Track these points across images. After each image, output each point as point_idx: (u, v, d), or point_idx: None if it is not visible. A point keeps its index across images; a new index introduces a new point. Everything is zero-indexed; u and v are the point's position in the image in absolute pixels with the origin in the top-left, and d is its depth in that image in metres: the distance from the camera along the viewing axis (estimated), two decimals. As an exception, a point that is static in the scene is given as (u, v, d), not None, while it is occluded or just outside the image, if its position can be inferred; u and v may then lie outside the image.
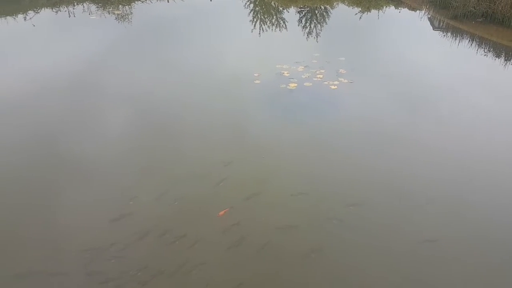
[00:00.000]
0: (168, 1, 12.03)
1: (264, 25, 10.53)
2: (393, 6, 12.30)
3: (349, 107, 6.10)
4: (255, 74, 7.02)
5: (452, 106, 6.27)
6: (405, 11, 12.00)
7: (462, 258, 3.62)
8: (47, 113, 5.76)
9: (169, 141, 5.19)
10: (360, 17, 11.06)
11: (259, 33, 9.75)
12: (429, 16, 11.24)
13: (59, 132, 5.33)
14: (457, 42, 9.07)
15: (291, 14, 11.46)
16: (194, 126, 5.53)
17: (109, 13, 10.62)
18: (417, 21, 11.03)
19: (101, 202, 4.15)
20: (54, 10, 10.86)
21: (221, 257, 3.56)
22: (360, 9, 11.78)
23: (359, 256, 3.62)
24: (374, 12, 11.66)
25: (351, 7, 12.07)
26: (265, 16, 11.45)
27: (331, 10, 11.81)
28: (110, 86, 6.59)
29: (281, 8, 12.26)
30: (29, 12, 10.60)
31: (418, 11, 11.72)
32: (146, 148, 5.03)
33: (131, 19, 10.31)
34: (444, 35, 9.66)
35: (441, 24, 10.58)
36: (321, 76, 6.99)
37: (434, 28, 10.35)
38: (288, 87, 6.62)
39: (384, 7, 12.19)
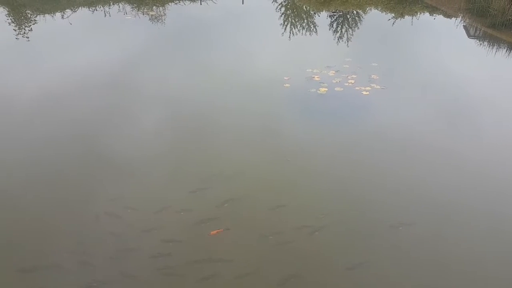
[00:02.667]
0: (200, 3, 12.19)
1: (294, 28, 10.51)
2: (428, 13, 12.04)
3: (381, 114, 5.99)
4: (285, 78, 7.01)
5: (489, 117, 6.07)
6: (440, 18, 11.73)
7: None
8: (81, 111, 5.87)
9: (198, 142, 5.22)
10: (393, 23, 10.88)
11: (289, 37, 9.73)
12: (465, 23, 10.94)
13: (92, 129, 5.44)
14: (494, 51, 8.79)
15: (322, 18, 11.39)
16: (223, 127, 5.55)
17: (143, 14, 10.84)
18: (452, 28, 10.75)
19: (131, 201, 4.22)
20: (90, 9, 11.17)
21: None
22: (393, 14, 11.60)
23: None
24: (407, 18, 11.46)
25: (384, 13, 11.90)
26: (296, 20, 11.42)
27: (363, 15, 11.68)
28: (143, 86, 6.70)
29: (312, 12, 12.21)
30: (66, 10, 10.94)
31: (453, 18, 11.43)
32: (175, 148, 5.08)
33: (164, 20, 10.49)
34: (480, 44, 9.39)
35: (477, 32, 10.28)
36: (352, 81, 6.91)
37: (470, 36, 10.06)
38: (318, 91, 6.57)
39: (418, 13, 11.96)
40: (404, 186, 4.49)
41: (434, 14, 11.95)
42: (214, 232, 3.82)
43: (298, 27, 10.62)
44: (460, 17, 11.40)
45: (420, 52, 8.81)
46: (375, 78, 7.05)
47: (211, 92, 6.59)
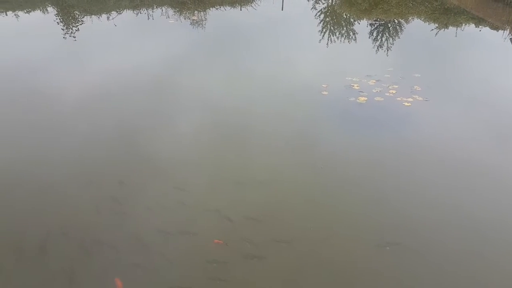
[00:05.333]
0: (241, 9, 12.32)
1: (333, 36, 10.42)
2: (473, 24, 11.64)
3: (423, 128, 5.80)
4: (323, 85, 6.94)
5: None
6: (486, 30, 11.31)
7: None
8: (122, 111, 6.00)
9: (233, 146, 5.23)
10: (436, 34, 10.59)
11: (327, 44, 9.66)
12: (513, 36, 10.51)
13: (131, 130, 5.54)
14: (545, 66, 8.38)
15: (361, 26, 11.25)
16: (259, 133, 5.54)
17: (185, 18, 11.06)
18: (499, 41, 10.33)
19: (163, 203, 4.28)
20: (135, 12, 11.53)
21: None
22: (436, 25, 11.28)
23: None
24: (451, 29, 11.12)
25: (427, 23, 11.60)
26: (335, 27, 11.33)
27: (405, 25, 11.43)
28: (181, 89, 6.79)
29: (352, 20, 12.08)
30: (112, 12, 11.33)
31: (501, 31, 10.99)
32: (212, 152, 5.11)
33: (205, 25, 10.67)
34: (530, 58, 8.98)
35: (527, 45, 9.84)
36: (394, 91, 6.75)
37: (519, 49, 9.65)
38: (357, 100, 6.46)
39: (464, 24, 11.59)
40: (442, 205, 4.32)
41: (480, 26, 11.54)
42: (217, 241, 3.78)
43: (337, 35, 10.52)
44: (508, 29, 10.95)
45: (465, 64, 8.52)
46: (417, 89, 6.86)
47: (248, 97, 6.61)
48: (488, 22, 11.76)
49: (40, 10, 11.64)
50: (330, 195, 4.39)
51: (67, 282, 3.33)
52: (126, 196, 4.26)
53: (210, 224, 3.94)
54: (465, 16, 12.27)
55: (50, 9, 11.74)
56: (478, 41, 10.51)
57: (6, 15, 10.98)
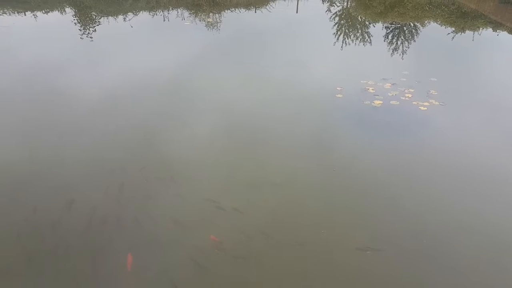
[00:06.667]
0: (255, 11, 12.35)
1: (347, 38, 10.38)
2: (491, 28, 11.48)
3: (439, 132, 5.73)
4: (337, 88, 6.91)
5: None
6: (504, 34, 11.15)
7: None
8: (136, 112, 6.04)
9: (247, 149, 5.23)
10: (453, 37, 10.47)
11: (342, 47, 9.62)
12: (533, 41, 10.33)
13: (145, 130, 5.58)
14: None
15: (377, 29, 11.19)
16: (273, 135, 5.53)
17: (200, 20, 11.14)
18: (518, 45, 10.19)
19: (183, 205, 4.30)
20: (151, 13, 11.65)
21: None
22: (453, 29, 11.16)
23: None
24: (468, 33, 10.98)
25: (444, 26, 11.48)
26: (350, 30, 11.28)
27: (421, 28, 11.33)
28: (196, 91, 6.82)
29: (367, 23, 12.02)
30: (129, 13, 11.46)
31: (519, 35, 10.83)
32: (226, 154, 5.12)
33: (220, 27, 10.72)
34: (550, 63, 8.81)
35: (546, 50, 9.67)
36: (409, 95, 6.69)
37: (538, 54, 9.48)
38: (372, 104, 6.41)
39: (481, 28, 11.43)
40: (456, 215, 4.25)
41: (497, 30, 11.38)
42: (214, 237, 3.81)
43: (352, 37, 10.48)
44: (527, 34, 10.79)
45: (482, 69, 8.40)
46: (433, 93, 6.78)
47: (263, 99, 6.61)
48: (506, 26, 11.60)
49: (58, 11, 11.83)
50: (345, 198, 4.36)
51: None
52: (140, 196, 4.30)
53: (222, 223, 3.95)
54: (483, 20, 12.11)
55: (68, 9, 11.94)
56: (496, 46, 10.36)
57: (25, 15, 11.20)
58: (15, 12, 11.48)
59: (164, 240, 3.75)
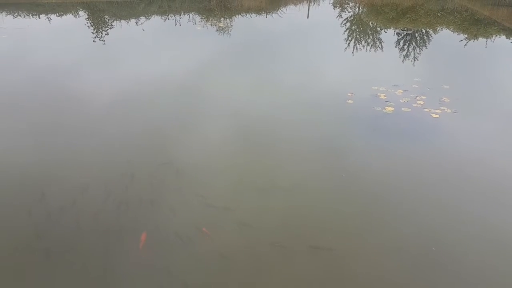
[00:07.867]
0: (266, 17, 12.38)
1: (359, 44, 10.35)
2: (504, 36, 11.36)
3: (451, 140, 5.65)
4: (348, 94, 6.88)
5: None
6: (518, 41, 11.05)
7: None
8: (147, 116, 6.03)
9: (256, 153, 5.21)
10: (466, 44, 10.38)
11: (353, 52, 9.60)
12: (547, 48, 10.20)
13: (157, 133, 5.61)
14: None
15: (388, 35, 11.14)
16: (282, 140, 5.50)
17: (211, 25, 11.20)
18: (532, 53, 10.07)
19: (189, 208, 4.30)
20: (163, 17, 11.74)
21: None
22: (466, 36, 11.07)
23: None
24: (481, 40, 10.88)
25: (456, 33, 11.40)
26: (361, 36, 11.26)
27: (433, 35, 11.26)
28: (206, 95, 6.82)
29: (378, 29, 11.98)
30: (141, 17, 11.57)
31: (533, 43, 10.71)
32: (237, 158, 5.11)
33: (230, 31, 10.76)
34: None
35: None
36: (421, 102, 6.63)
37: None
38: (384, 110, 6.37)
39: (494, 35, 11.32)
40: (468, 223, 4.18)
41: (511, 38, 11.26)
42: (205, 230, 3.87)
43: (363, 43, 10.45)
44: (541, 41, 10.66)
45: (495, 76, 8.31)
46: (446, 101, 6.72)
47: (274, 104, 6.60)
48: (520, 33, 11.48)
49: (72, 14, 11.99)
50: (355, 204, 4.32)
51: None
52: (150, 198, 4.31)
53: (228, 226, 3.94)
54: (496, 27, 12.00)
55: (81, 13, 12.09)
56: (510, 53, 10.25)
57: (39, 17, 11.37)
58: (30, 15, 11.66)
59: (173, 244, 3.75)
